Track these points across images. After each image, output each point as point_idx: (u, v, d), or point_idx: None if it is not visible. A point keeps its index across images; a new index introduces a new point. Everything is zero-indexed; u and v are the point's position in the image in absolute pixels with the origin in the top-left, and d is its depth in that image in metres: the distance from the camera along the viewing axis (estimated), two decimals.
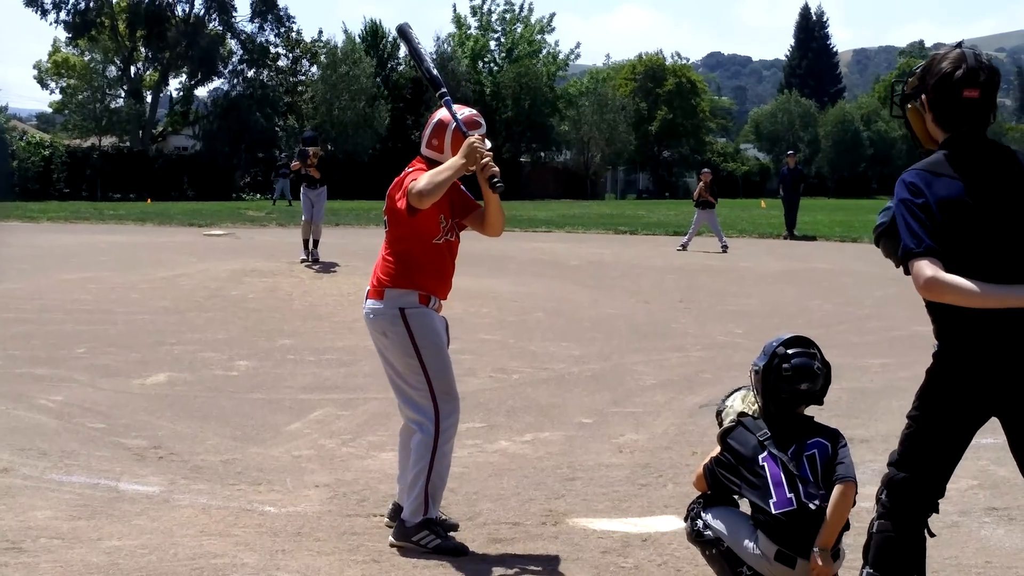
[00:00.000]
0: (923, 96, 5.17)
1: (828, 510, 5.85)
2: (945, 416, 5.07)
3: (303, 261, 23.35)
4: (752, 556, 6.00)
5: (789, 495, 5.87)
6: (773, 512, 5.89)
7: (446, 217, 7.39)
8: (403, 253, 7.40)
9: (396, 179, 7.36)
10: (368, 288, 7.60)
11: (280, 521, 7.58)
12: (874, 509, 5.32)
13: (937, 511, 5.24)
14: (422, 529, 7.12)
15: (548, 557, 6.98)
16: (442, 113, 7.42)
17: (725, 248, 33.49)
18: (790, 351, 6.12)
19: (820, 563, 5.80)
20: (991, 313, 4.83)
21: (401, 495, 7.47)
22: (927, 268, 4.80)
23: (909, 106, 5.31)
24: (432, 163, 7.26)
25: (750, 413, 6.33)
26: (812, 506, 5.85)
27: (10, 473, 8.52)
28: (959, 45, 5.15)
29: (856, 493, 5.95)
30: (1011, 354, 4.93)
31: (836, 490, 5.88)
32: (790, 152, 44.96)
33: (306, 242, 23.81)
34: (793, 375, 6.05)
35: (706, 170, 37.43)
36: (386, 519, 7.64)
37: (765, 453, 5.98)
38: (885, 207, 5.31)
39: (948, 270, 4.81)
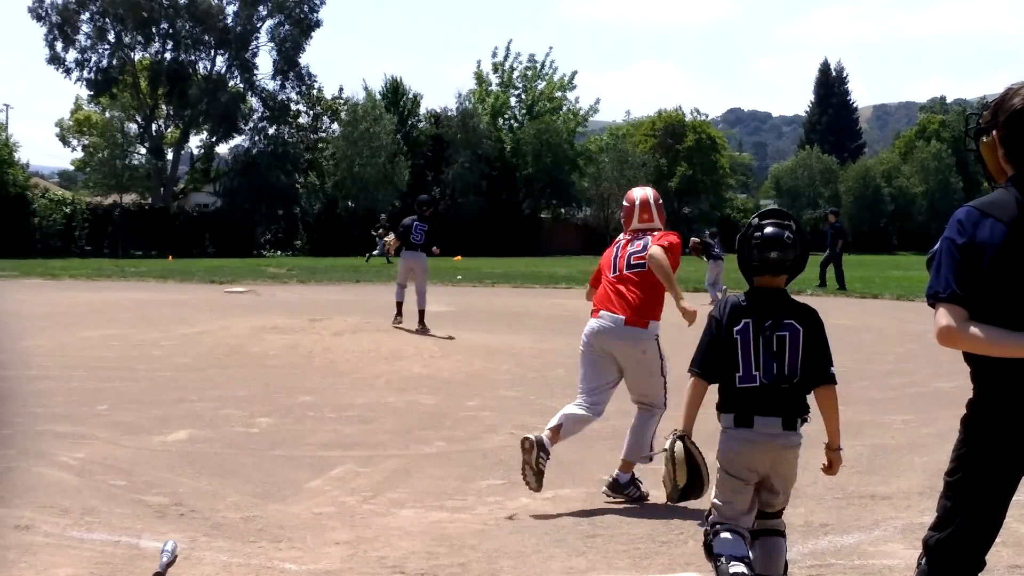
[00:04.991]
0: (995, 131, 5.05)
1: (824, 415, 6.35)
2: (983, 465, 4.94)
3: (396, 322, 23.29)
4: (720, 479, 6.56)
5: (755, 372, 6.30)
6: (737, 385, 6.38)
7: None
8: (659, 291, 9.95)
9: (667, 240, 10.08)
10: (622, 315, 9.94)
11: None
12: (914, 572, 5.24)
13: None
14: (631, 484, 9.97)
15: None
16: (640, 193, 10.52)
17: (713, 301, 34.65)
18: (764, 222, 6.41)
19: (831, 461, 6.44)
20: None
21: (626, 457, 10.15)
22: (944, 316, 4.76)
23: (983, 140, 5.17)
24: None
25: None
26: (778, 386, 6.29)
27: (31, 530, 8.51)
28: None
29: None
30: None
31: (820, 395, 6.34)
32: (831, 210, 47.09)
33: (399, 304, 23.67)
34: (763, 243, 6.32)
35: (694, 239, 38.82)
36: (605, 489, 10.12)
37: (740, 325, 6.35)
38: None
39: (979, 315, 4.74)
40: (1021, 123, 4.93)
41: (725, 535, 6.40)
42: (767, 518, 6.57)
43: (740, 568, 6.25)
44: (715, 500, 6.56)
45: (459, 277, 46.42)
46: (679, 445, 6.69)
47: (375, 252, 60.71)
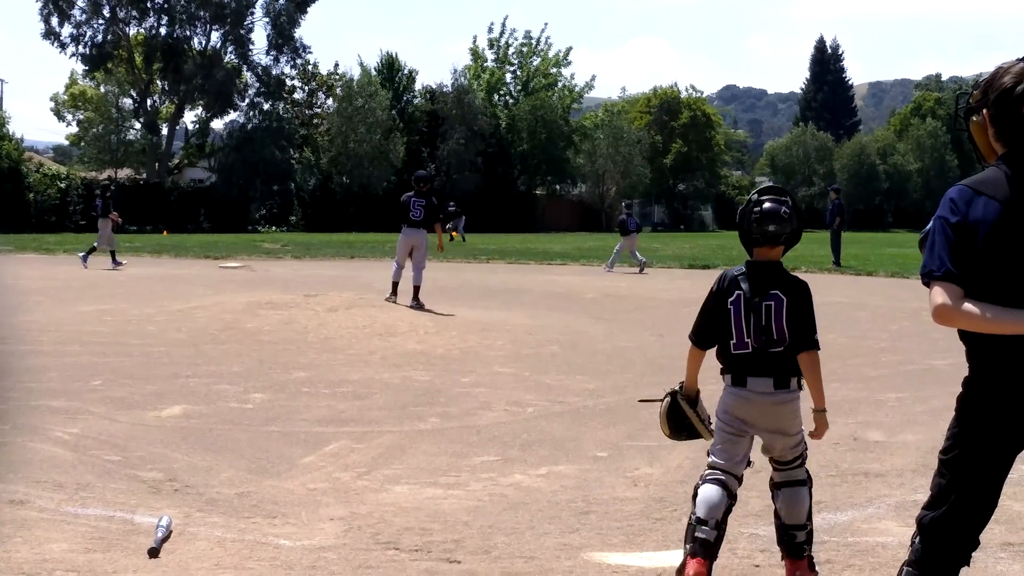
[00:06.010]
0: (985, 110, 5.00)
1: (806, 379, 6.75)
2: (978, 443, 4.91)
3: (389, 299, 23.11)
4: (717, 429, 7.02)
5: (747, 339, 6.77)
6: (732, 352, 6.84)
7: None
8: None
9: None
10: None
11: (295, 554, 7.57)
12: (908, 549, 5.23)
13: (968, 564, 5.11)
14: None
15: None
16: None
17: (642, 269, 39.20)
18: (763, 197, 6.91)
19: (817, 423, 6.79)
20: (1021, 337, 4.70)
21: None
22: (939, 295, 4.73)
23: (974, 119, 5.12)
24: None
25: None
26: (767, 351, 6.72)
27: (26, 505, 8.52)
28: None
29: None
30: None
31: (802, 359, 6.73)
32: (834, 187, 47.61)
33: (395, 284, 23.53)
34: (762, 217, 6.80)
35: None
36: None
37: (733, 297, 6.82)
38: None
39: (974, 293, 4.72)
40: (1011, 102, 4.87)
41: (707, 488, 6.81)
42: (785, 469, 7.01)
43: (703, 535, 6.68)
44: (711, 447, 7.03)
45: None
46: (667, 401, 7.34)
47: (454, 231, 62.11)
